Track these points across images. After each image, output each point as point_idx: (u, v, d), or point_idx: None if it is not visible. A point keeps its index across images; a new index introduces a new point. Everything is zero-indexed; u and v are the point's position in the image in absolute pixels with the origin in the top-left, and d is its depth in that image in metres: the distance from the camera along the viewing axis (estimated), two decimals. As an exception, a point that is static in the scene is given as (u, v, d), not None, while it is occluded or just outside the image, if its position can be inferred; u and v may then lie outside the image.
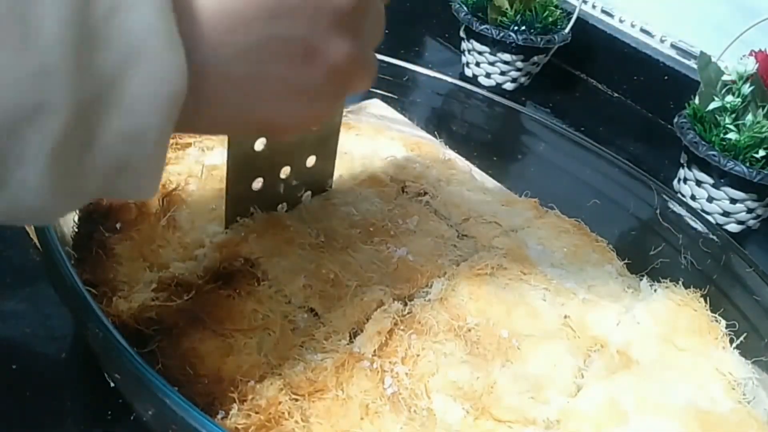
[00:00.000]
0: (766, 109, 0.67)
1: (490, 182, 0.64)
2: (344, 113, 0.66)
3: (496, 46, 0.85)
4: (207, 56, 0.25)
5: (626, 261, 0.56)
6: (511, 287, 0.49)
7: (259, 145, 0.46)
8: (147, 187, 0.26)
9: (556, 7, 0.88)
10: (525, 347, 0.45)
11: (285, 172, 0.49)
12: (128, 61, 0.22)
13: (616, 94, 0.97)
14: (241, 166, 0.46)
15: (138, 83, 0.22)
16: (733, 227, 0.72)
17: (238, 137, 0.45)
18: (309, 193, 0.53)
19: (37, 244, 0.46)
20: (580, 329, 0.47)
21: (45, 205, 0.23)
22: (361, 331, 0.43)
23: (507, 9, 0.85)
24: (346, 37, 0.28)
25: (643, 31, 0.95)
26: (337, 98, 0.31)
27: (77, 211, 0.48)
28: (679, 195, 0.74)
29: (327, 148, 0.52)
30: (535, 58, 0.88)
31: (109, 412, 0.42)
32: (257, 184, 0.48)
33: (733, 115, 0.68)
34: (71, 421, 0.41)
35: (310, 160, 0.51)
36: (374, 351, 0.42)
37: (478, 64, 0.88)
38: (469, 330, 0.45)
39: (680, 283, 0.53)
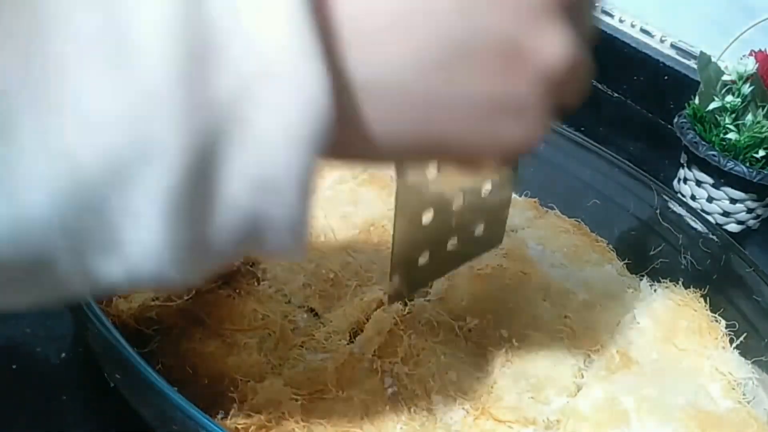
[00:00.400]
0: (766, 109, 0.67)
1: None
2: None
3: (496, 46, 0.85)
4: (365, 74, 0.19)
5: (626, 261, 0.56)
6: (511, 287, 0.49)
7: (427, 217, 0.37)
8: (294, 244, 0.20)
9: (556, 7, 0.88)
10: (525, 347, 0.45)
11: (452, 243, 0.40)
12: (253, 83, 0.17)
13: (616, 94, 0.97)
14: (407, 243, 0.38)
15: (268, 112, 0.17)
16: (733, 227, 0.72)
17: (407, 210, 0.35)
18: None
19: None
20: (580, 329, 0.47)
21: (168, 269, 0.18)
22: (361, 331, 0.43)
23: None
24: (562, 30, 0.21)
25: (643, 31, 0.95)
26: (545, 114, 0.23)
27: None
28: (679, 195, 0.74)
29: (498, 214, 0.41)
30: (535, 58, 0.88)
31: (109, 412, 0.42)
32: (423, 259, 0.39)
33: (733, 115, 0.68)
34: (71, 421, 0.41)
35: (479, 229, 0.41)
36: (374, 351, 0.42)
37: (478, 64, 0.88)
38: (470, 330, 0.45)
39: (680, 283, 0.53)
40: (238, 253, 0.21)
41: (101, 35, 0.15)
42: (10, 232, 0.16)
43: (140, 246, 0.17)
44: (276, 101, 0.17)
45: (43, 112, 0.15)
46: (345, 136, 0.19)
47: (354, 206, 0.52)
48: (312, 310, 0.44)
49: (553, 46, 0.21)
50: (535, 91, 0.21)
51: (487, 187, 0.38)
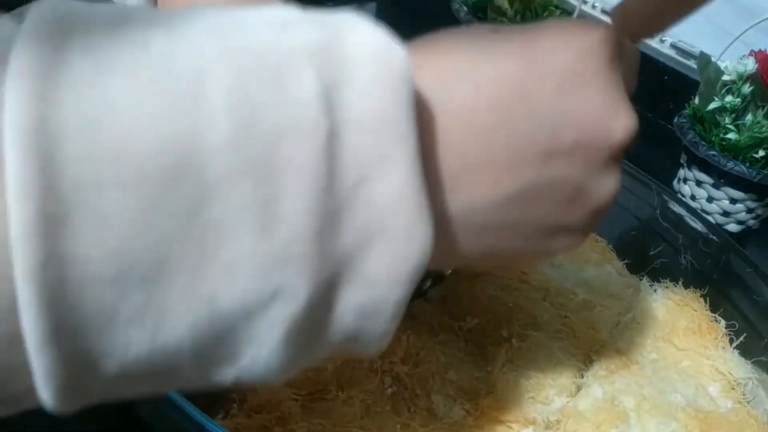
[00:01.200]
0: (766, 109, 0.67)
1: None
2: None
3: (496, 46, 0.85)
4: (456, 213, 0.22)
5: (626, 261, 0.56)
6: (511, 287, 0.49)
7: None
8: (374, 350, 0.23)
9: (556, 7, 0.88)
10: (525, 347, 0.45)
11: None
12: (372, 236, 0.19)
13: (616, 94, 0.97)
14: None
15: (380, 259, 0.20)
16: (733, 227, 0.72)
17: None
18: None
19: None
20: (580, 329, 0.47)
21: (273, 374, 0.21)
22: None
23: (507, 9, 0.85)
24: (616, 173, 0.25)
25: (643, 31, 0.95)
26: (590, 232, 0.27)
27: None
28: (679, 195, 0.74)
29: None
30: (535, 58, 0.88)
31: (109, 412, 0.42)
32: None
33: (733, 115, 0.68)
34: (71, 421, 0.41)
35: None
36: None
37: (478, 64, 0.88)
38: (470, 330, 0.45)
39: (680, 283, 0.53)
40: (331, 355, 0.23)
41: (252, 204, 0.18)
42: (148, 357, 0.18)
43: (257, 362, 0.20)
44: (390, 251, 0.20)
45: (196, 265, 0.17)
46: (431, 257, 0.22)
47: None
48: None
49: (610, 187, 0.25)
50: (588, 220, 0.25)
51: None
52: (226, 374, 0.20)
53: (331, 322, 0.20)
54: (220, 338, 0.19)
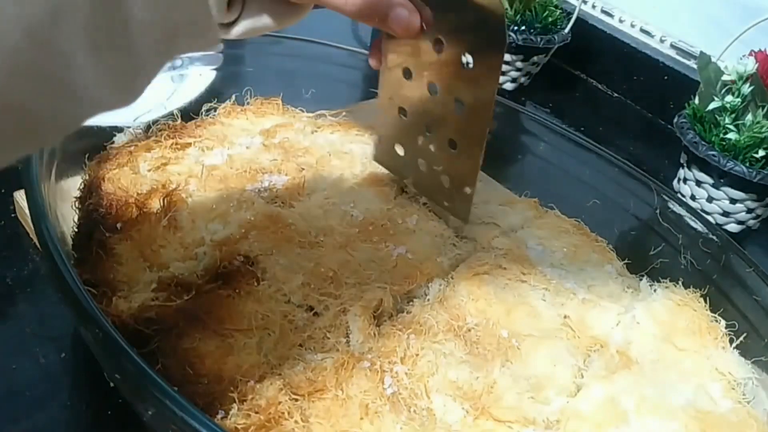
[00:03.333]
0: (765, 109, 0.67)
1: (489, 182, 0.64)
2: (343, 113, 0.66)
3: (496, 46, 0.85)
4: None
5: (626, 261, 0.56)
6: (510, 287, 0.49)
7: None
8: (206, 40, 0.25)
9: (556, 7, 0.88)
10: (525, 347, 0.45)
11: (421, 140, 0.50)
12: None
13: (616, 94, 0.97)
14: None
15: None
16: (733, 227, 0.72)
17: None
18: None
19: (37, 244, 0.46)
20: (580, 329, 0.47)
21: (113, 92, 0.23)
22: (361, 330, 0.43)
23: (507, 9, 0.85)
24: None
25: (643, 31, 0.95)
26: None
27: (77, 211, 0.48)
28: (679, 195, 0.74)
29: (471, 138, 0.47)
30: (535, 58, 0.88)
31: (109, 412, 0.42)
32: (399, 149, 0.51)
33: (733, 115, 0.68)
34: (71, 421, 0.41)
35: (451, 146, 0.48)
36: (374, 351, 0.42)
37: (478, 64, 0.88)
38: (469, 330, 0.45)
39: (680, 283, 0.53)
40: (164, 61, 0.25)
41: None
42: None
43: (86, 83, 0.22)
44: None
45: None
46: None
47: (353, 205, 0.52)
48: (311, 308, 0.44)
49: None
50: None
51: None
52: (77, 106, 0.23)
53: (132, 21, 0.22)
54: (32, 72, 0.21)
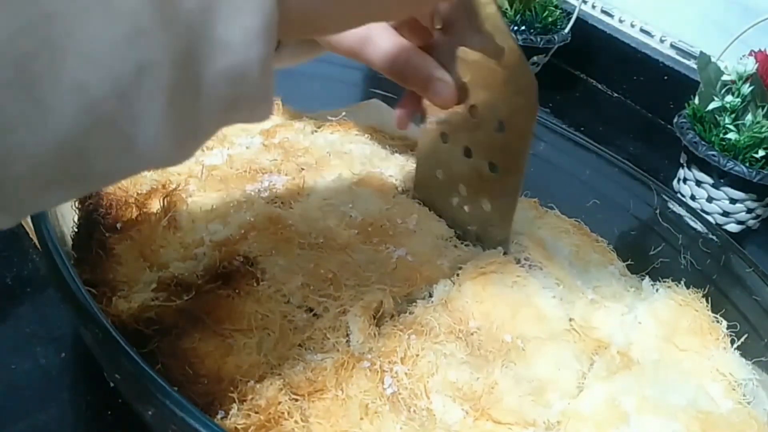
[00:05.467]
0: (765, 109, 0.67)
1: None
2: (343, 113, 0.66)
3: (496, 46, 0.85)
4: None
5: (627, 261, 0.56)
6: (519, 285, 0.48)
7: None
8: (262, 113, 0.27)
9: (556, 7, 0.88)
10: (529, 349, 0.44)
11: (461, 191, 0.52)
12: (211, 1, 0.22)
13: (616, 94, 0.97)
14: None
15: (228, 20, 0.23)
16: (732, 227, 0.72)
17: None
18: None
19: (37, 244, 0.46)
20: (585, 331, 0.47)
21: (169, 154, 0.24)
22: (361, 330, 0.43)
23: (507, 9, 0.85)
24: None
25: (642, 31, 0.95)
26: None
27: (77, 211, 0.48)
28: (678, 195, 0.74)
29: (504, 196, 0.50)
30: (535, 58, 0.88)
31: (109, 412, 0.42)
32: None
33: (733, 115, 0.68)
34: (71, 421, 0.41)
35: (485, 204, 0.51)
36: (374, 351, 0.42)
37: (478, 64, 0.88)
38: (471, 334, 0.45)
39: (682, 283, 0.53)
40: (223, 126, 0.26)
41: None
42: (46, 154, 0.21)
43: (148, 142, 0.23)
44: (234, 9, 0.23)
45: (52, 57, 0.19)
46: (297, 17, 0.26)
47: (352, 206, 0.52)
48: (311, 309, 0.44)
49: None
50: None
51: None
52: (131, 162, 0.23)
53: (204, 89, 0.23)
54: (106, 125, 0.21)
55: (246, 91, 0.25)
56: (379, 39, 0.40)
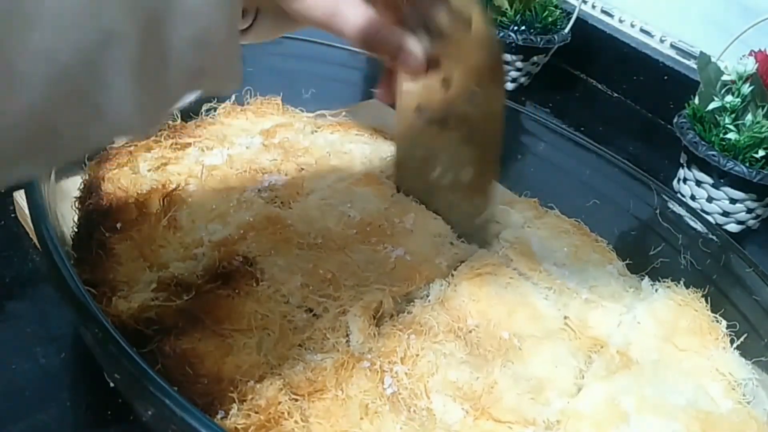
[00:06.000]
0: (765, 109, 0.67)
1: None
2: (343, 113, 0.66)
3: (496, 46, 0.85)
4: None
5: (626, 261, 0.56)
6: (513, 286, 0.49)
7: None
8: (230, 81, 0.27)
9: (556, 7, 0.88)
10: (526, 348, 0.45)
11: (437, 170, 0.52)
12: None
13: (615, 94, 0.97)
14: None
15: None
16: (732, 227, 0.72)
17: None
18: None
19: (37, 244, 0.46)
20: (581, 330, 0.47)
21: (138, 121, 0.24)
22: (360, 331, 0.43)
23: (507, 9, 0.85)
24: None
25: (642, 31, 0.95)
26: None
27: (77, 211, 0.48)
28: (678, 195, 0.74)
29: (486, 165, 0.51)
30: (535, 58, 0.88)
31: (109, 412, 0.42)
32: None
33: (733, 115, 0.68)
34: (71, 421, 0.41)
35: (467, 172, 0.51)
36: (374, 351, 0.42)
37: (478, 64, 0.88)
38: (470, 332, 0.45)
39: (681, 283, 0.53)
40: (187, 95, 0.27)
41: None
42: (21, 113, 0.21)
43: (118, 110, 0.23)
44: None
45: (22, 25, 0.20)
46: None
47: (350, 206, 0.52)
48: (310, 310, 0.44)
49: None
50: None
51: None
52: (100, 131, 0.24)
53: (171, 57, 0.24)
54: (75, 94, 0.22)
55: (212, 57, 0.25)
56: (348, 10, 0.40)
